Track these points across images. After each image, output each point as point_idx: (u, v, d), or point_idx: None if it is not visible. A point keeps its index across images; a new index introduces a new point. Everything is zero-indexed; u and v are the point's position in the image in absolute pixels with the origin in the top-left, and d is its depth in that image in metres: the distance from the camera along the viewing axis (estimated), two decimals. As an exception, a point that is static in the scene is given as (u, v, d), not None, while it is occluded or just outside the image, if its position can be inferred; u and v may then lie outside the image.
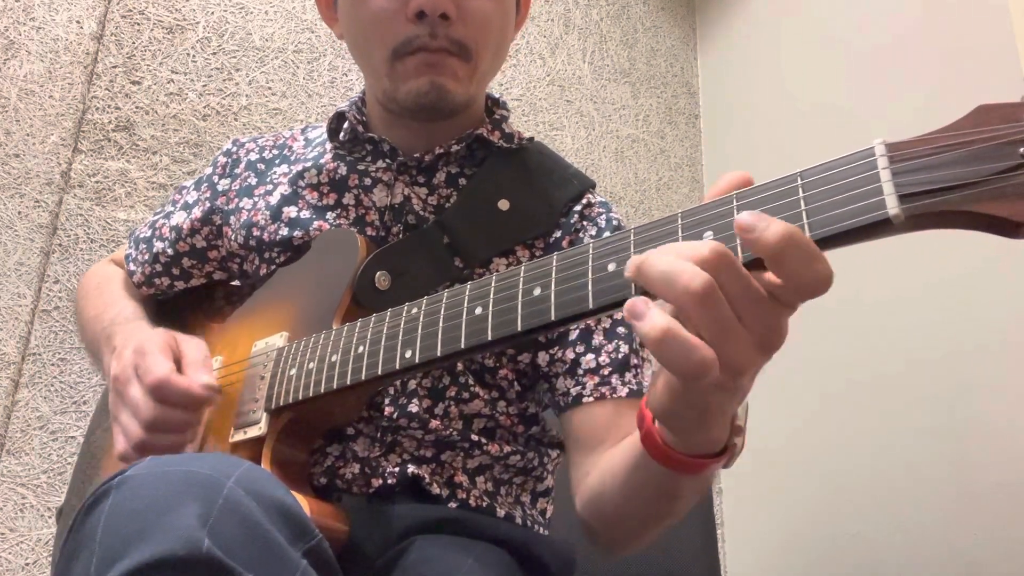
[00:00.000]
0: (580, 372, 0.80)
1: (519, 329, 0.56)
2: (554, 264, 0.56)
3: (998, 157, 0.39)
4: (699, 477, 0.56)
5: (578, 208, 0.88)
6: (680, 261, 0.44)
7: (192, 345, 0.77)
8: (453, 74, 0.81)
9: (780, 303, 0.45)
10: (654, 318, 0.44)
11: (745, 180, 0.49)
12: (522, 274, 0.58)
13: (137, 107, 1.64)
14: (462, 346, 0.60)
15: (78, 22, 1.63)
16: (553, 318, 0.54)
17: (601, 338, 0.82)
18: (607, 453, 0.74)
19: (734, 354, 0.45)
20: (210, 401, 0.73)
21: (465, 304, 0.61)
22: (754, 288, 0.44)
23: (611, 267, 0.52)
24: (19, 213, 1.50)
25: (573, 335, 0.82)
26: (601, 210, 0.89)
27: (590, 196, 0.90)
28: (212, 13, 1.75)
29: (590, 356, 0.81)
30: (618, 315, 0.80)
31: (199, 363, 0.75)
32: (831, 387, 1.65)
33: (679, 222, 0.50)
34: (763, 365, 0.47)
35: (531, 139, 0.93)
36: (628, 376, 0.80)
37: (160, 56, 1.68)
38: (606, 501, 0.71)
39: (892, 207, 0.42)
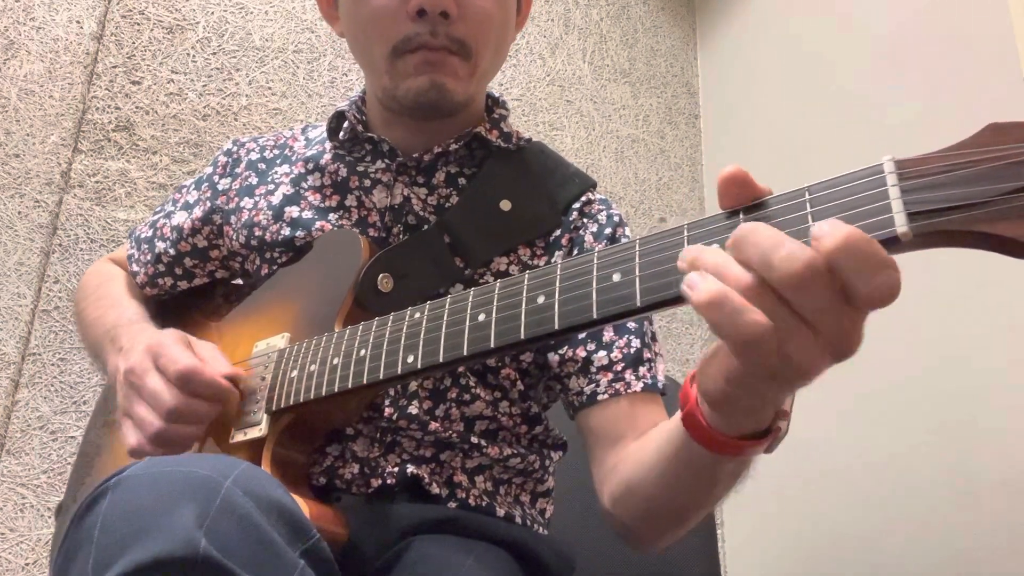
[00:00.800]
0: (593, 370, 0.80)
1: (522, 337, 0.56)
2: (558, 273, 0.56)
3: (1008, 177, 0.39)
4: (739, 461, 0.56)
5: (577, 206, 0.88)
6: (729, 265, 0.43)
7: (205, 344, 0.77)
8: (453, 72, 0.81)
9: (855, 308, 0.43)
10: (708, 283, 0.43)
11: (739, 176, 0.47)
12: (526, 282, 0.58)
13: (137, 107, 1.64)
14: (464, 353, 0.60)
15: (78, 22, 1.63)
16: (557, 327, 0.54)
17: (612, 334, 0.81)
18: (636, 445, 0.74)
19: (797, 352, 0.43)
20: (231, 395, 0.73)
21: (468, 310, 0.61)
22: (828, 299, 0.42)
23: (616, 277, 0.52)
24: (19, 213, 1.50)
25: (582, 333, 0.82)
26: (601, 207, 0.90)
27: (590, 194, 0.90)
28: (212, 13, 1.75)
29: (602, 353, 0.80)
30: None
31: (217, 359, 0.75)
32: (831, 388, 1.65)
33: (685, 234, 0.50)
34: (828, 368, 0.45)
35: (529, 139, 0.93)
36: (642, 370, 0.80)
37: (160, 56, 1.68)
38: (640, 493, 0.69)
39: (901, 225, 0.41)
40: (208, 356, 0.75)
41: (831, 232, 0.41)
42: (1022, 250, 0.38)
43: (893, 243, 0.42)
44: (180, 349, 0.73)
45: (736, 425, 0.52)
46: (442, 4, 0.78)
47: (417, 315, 0.65)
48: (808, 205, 0.45)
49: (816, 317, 0.42)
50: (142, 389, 0.73)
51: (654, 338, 0.84)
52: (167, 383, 0.71)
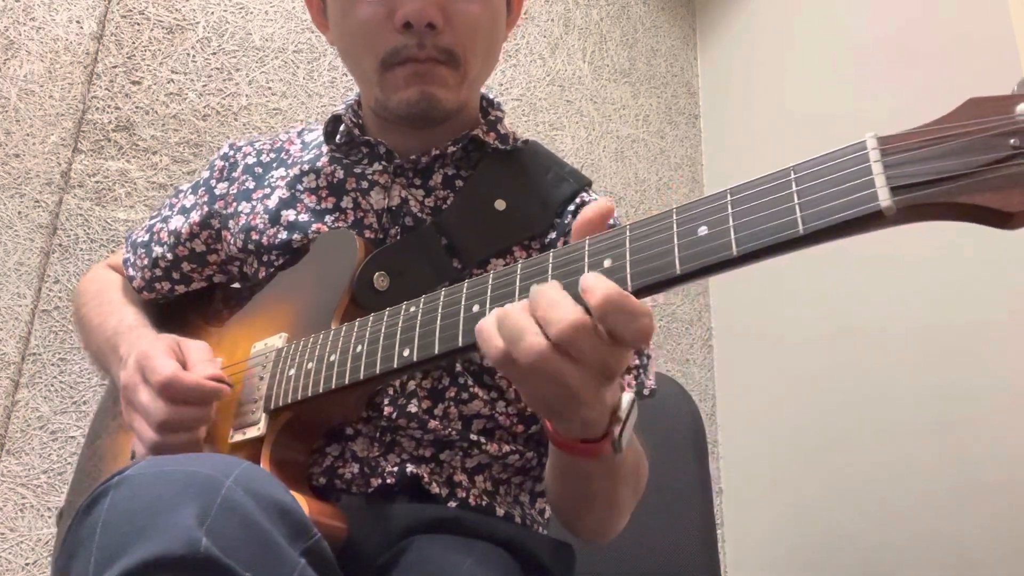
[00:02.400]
0: None
1: None
2: (551, 262, 0.56)
3: (988, 149, 0.39)
4: (595, 462, 0.62)
5: (572, 208, 0.88)
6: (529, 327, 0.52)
7: (195, 346, 0.77)
8: (443, 82, 0.81)
9: (621, 345, 0.52)
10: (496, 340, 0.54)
11: (608, 210, 0.57)
12: (519, 271, 0.58)
13: (137, 107, 1.64)
14: (460, 344, 0.60)
15: (78, 22, 1.64)
16: None
17: None
18: None
19: (568, 382, 0.52)
20: (219, 394, 0.73)
21: (463, 302, 0.61)
22: (593, 344, 0.51)
23: (607, 263, 0.53)
24: (19, 213, 1.50)
25: None
26: None
27: (585, 195, 0.90)
28: (212, 13, 1.75)
29: None
30: None
31: (204, 361, 0.75)
32: (831, 387, 1.65)
33: (674, 217, 0.51)
34: (605, 386, 0.54)
35: (526, 141, 0.93)
36: (627, 378, 0.80)
37: (160, 56, 1.69)
38: (549, 491, 0.78)
39: (884, 199, 0.42)
40: (194, 359, 0.75)
41: (595, 286, 0.50)
42: (1002, 220, 0.39)
43: (878, 218, 0.43)
44: (163, 359, 0.73)
45: (570, 432, 0.59)
46: (428, 16, 0.77)
47: (412, 309, 0.66)
48: (794, 184, 0.46)
49: (583, 357, 0.51)
50: (135, 404, 0.74)
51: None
52: (154, 395, 0.72)
